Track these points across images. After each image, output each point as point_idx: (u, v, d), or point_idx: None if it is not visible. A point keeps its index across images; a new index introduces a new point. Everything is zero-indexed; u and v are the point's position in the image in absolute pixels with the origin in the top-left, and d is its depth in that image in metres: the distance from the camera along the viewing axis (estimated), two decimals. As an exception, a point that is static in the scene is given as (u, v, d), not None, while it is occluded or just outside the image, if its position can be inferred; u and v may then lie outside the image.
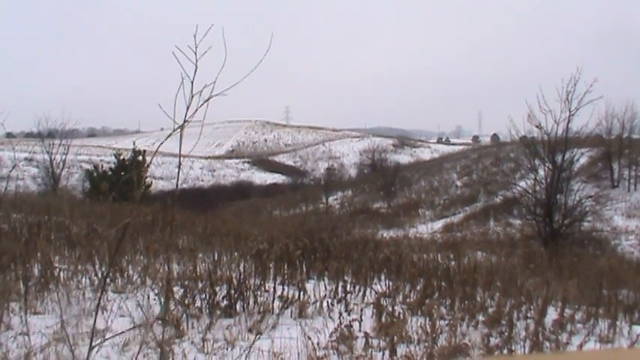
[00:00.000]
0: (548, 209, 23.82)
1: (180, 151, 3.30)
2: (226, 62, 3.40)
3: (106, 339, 4.40)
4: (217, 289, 6.45)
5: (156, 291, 6.39)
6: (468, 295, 7.62)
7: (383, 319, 6.19)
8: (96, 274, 6.99)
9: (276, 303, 6.60)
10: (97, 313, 3.46)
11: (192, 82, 3.14)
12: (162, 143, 3.57)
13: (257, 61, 3.37)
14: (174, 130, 3.24)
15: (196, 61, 3.11)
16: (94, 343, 3.27)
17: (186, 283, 6.53)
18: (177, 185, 4.53)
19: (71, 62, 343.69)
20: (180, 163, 3.92)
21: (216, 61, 3.43)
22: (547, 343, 6.14)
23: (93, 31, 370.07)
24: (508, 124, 25.74)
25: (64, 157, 33.86)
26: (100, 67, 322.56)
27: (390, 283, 8.27)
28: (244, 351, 4.74)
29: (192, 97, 3.17)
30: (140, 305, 6.21)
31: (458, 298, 7.57)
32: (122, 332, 4.51)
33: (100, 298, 3.70)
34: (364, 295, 7.62)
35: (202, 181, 74.66)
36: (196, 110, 3.18)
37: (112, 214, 11.76)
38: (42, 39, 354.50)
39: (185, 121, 3.21)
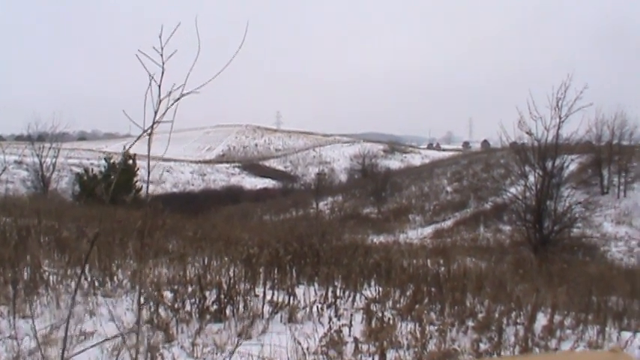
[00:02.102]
0: (538, 215, 23.92)
1: (149, 153, 3.29)
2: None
3: (86, 348, 4.38)
4: (207, 293, 6.43)
5: (145, 295, 6.37)
6: (457, 301, 7.63)
7: (373, 324, 6.19)
8: (86, 278, 6.97)
9: (266, 308, 6.59)
10: (68, 321, 3.44)
11: (159, 85, 3.12)
12: (131, 146, 3.57)
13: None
14: (142, 134, 3.23)
15: (163, 63, 3.09)
16: (67, 354, 3.25)
17: (176, 287, 6.52)
18: (147, 189, 4.51)
19: (62, 65, 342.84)
20: (149, 168, 3.88)
21: (203, 65, 3.41)
22: (536, 349, 6.16)
23: (83, 34, 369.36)
24: (499, 131, 25.92)
25: (54, 160, 33.84)
26: (91, 70, 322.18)
27: (380, 289, 8.27)
28: (229, 354, 4.73)
29: (160, 100, 3.14)
30: (129, 309, 6.21)
31: (447, 304, 7.57)
32: (105, 340, 4.50)
33: (72, 306, 3.68)
34: (354, 300, 7.62)
35: (193, 185, 74.56)
36: (166, 110, 3.16)
37: (102, 218, 11.73)
38: (31, 42, 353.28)
39: (153, 124, 3.19)
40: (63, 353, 3.23)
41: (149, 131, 3.22)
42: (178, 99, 3.16)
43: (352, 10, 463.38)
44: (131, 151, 30.47)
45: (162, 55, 3.07)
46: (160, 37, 3.06)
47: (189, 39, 3.26)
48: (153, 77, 3.09)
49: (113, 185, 3.31)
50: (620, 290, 11.31)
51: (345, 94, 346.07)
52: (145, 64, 3.04)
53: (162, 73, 3.11)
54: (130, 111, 3.32)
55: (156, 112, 3.16)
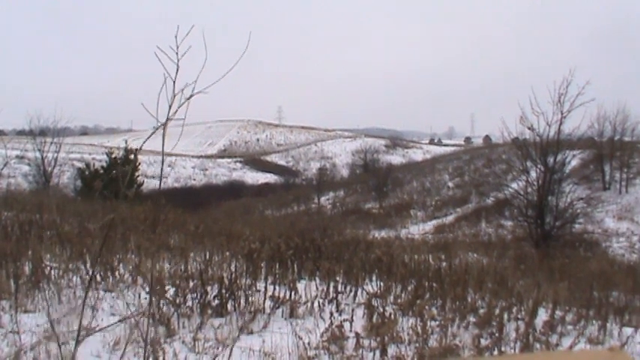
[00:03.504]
0: (539, 211, 23.92)
1: (162, 149, 3.30)
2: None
3: (91, 333, 4.39)
4: (209, 288, 6.44)
5: (147, 289, 6.38)
6: (458, 296, 7.63)
7: (374, 319, 6.19)
8: (87, 273, 6.97)
9: (268, 303, 6.59)
10: (83, 307, 3.45)
11: (174, 82, 3.15)
12: (144, 142, 3.58)
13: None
14: (155, 129, 3.24)
15: (177, 60, 3.11)
16: (69, 348, 3.26)
17: (178, 282, 6.52)
18: (160, 184, 4.56)
19: (64, 60, 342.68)
20: (163, 162, 3.92)
21: (209, 60, 3.43)
22: (537, 345, 6.16)
23: (85, 30, 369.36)
24: (500, 126, 25.94)
25: (55, 155, 33.78)
26: (93, 65, 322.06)
27: (382, 284, 8.27)
28: (230, 349, 4.73)
29: (175, 96, 3.17)
30: (131, 304, 6.21)
31: (449, 299, 7.58)
32: (109, 326, 4.51)
33: (86, 296, 3.68)
34: (355, 295, 7.62)
35: (194, 180, 74.53)
36: (178, 108, 3.18)
37: (104, 213, 11.73)
38: (34, 36, 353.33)
39: (167, 120, 3.21)
40: (77, 340, 3.24)
41: (162, 126, 3.24)
42: (190, 97, 3.18)
43: (354, 7, 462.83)
44: (134, 146, 30.47)
45: (177, 53, 3.10)
46: (175, 36, 3.09)
47: (193, 37, 3.27)
48: (168, 74, 3.11)
49: (125, 180, 3.31)
50: (622, 286, 11.31)
51: (346, 90, 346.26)
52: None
53: (177, 70, 3.14)
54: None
55: (170, 107, 3.18)
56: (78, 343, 3.25)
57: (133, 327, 4.67)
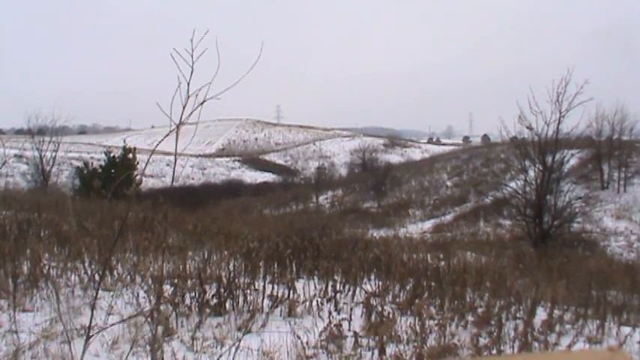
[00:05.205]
0: (538, 210, 23.90)
1: (175, 151, 3.31)
2: (222, 62, 3.41)
3: (95, 333, 4.38)
4: (207, 287, 6.44)
5: (145, 289, 6.38)
6: (457, 296, 7.63)
7: (372, 318, 6.20)
8: (85, 272, 6.96)
9: (266, 302, 6.59)
10: (93, 309, 3.46)
11: (188, 84, 3.16)
12: (159, 143, 3.59)
13: (251, 61, 3.40)
14: (170, 131, 3.25)
15: (192, 63, 3.12)
16: (73, 347, 3.27)
17: (176, 281, 6.52)
18: (172, 184, 4.57)
19: (62, 59, 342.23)
20: (175, 163, 3.94)
21: (210, 61, 3.43)
22: (536, 344, 6.17)
23: (84, 28, 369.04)
24: (499, 125, 25.85)
25: (54, 154, 33.74)
26: (92, 64, 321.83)
27: (380, 283, 8.27)
28: (231, 348, 4.73)
29: (189, 98, 3.18)
30: (129, 303, 6.21)
31: (447, 298, 7.58)
32: (109, 326, 4.51)
33: (96, 297, 3.69)
34: (354, 294, 7.62)
35: (193, 179, 74.40)
36: (192, 112, 3.19)
37: (102, 212, 11.73)
38: (32, 35, 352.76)
39: (181, 122, 3.22)
40: (87, 336, 3.24)
41: (176, 128, 3.25)
42: (203, 102, 3.20)
43: (354, 7, 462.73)
44: (133, 145, 30.44)
45: (192, 56, 3.11)
46: (191, 40, 3.12)
47: (193, 42, 3.27)
48: (184, 76, 3.14)
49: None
50: (620, 285, 11.31)
51: (345, 89, 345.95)
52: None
53: (192, 73, 3.15)
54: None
55: (183, 109, 3.19)
56: (88, 337, 3.25)
57: (131, 326, 4.67)
